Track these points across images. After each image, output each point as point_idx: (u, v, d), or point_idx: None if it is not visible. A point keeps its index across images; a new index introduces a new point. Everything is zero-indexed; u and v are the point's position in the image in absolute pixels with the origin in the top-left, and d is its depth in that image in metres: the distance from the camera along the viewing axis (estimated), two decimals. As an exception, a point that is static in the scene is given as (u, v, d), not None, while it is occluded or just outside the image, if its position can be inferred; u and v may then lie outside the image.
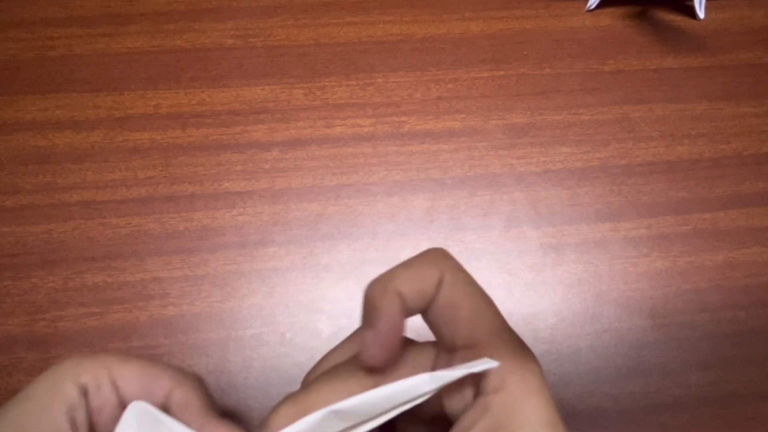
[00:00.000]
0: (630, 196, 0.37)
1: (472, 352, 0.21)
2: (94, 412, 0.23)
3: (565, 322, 0.33)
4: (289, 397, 0.22)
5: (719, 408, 0.30)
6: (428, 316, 0.22)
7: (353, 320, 0.33)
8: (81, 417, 0.22)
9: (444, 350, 0.22)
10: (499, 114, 0.40)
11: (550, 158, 0.38)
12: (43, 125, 0.38)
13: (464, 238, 0.35)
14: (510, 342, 0.22)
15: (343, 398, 0.21)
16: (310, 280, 0.34)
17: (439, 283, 0.21)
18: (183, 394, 0.23)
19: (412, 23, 0.44)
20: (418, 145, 0.38)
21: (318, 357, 0.25)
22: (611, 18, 0.45)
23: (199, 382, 0.25)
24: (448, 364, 0.22)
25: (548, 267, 0.34)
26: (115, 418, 0.23)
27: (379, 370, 0.22)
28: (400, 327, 0.21)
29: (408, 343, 0.23)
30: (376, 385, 0.21)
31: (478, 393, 0.21)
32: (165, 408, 0.23)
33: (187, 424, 0.23)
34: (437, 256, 0.22)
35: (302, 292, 0.34)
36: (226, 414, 0.28)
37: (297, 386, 0.23)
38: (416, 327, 0.23)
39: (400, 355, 0.22)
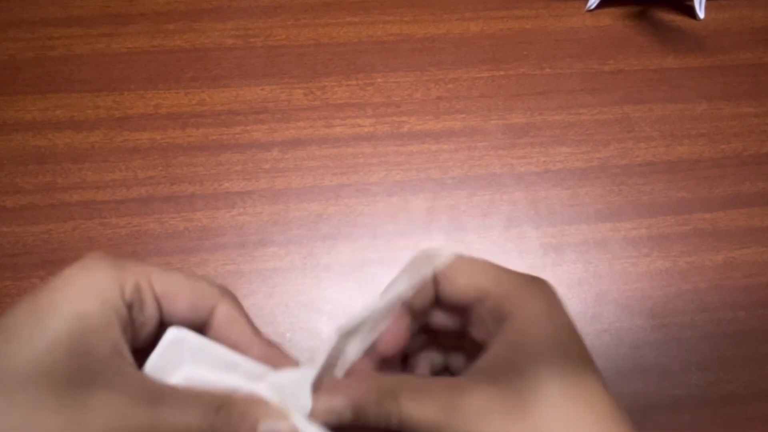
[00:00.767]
0: (630, 196, 0.37)
1: (482, 305, 0.23)
2: (136, 329, 0.22)
3: (565, 322, 0.33)
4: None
5: (719, 408, 0.30)
6: (449, 299, 0.24)
7: (353, 320, 0.33)
8: (129, 335, 0.21)
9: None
10: (499, 114, 0.40)
11: (550, 158, 0.38)
12: (43, 125, 0.38)
13: (464, 238, 0.35)
14: (509, 278, 0.23)
15: (397, 334, 0.23)
16: (310, 280, 0.34)
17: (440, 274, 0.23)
18: (227, 311, 0.23)
19: (412, 23, 0.44)
20: (418, 145, 0.38)
21: (318, 357, 0.25)
22: (611, 18, 0.45)
23: (237, 299, 0.24)
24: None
25: (548, 267, 0.34)
26: (154, 336, 0.22)
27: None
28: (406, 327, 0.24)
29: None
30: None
31: (496, 322, 0.23)
32: (206, 325, 0.23)
33: (234, 342, 0.22)
34: (428, 258, 0.23)
35: (302, 292, 0.33)
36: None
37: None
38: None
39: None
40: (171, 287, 0.22)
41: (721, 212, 0.36)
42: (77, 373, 0.19)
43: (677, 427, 0.29)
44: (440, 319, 0.25)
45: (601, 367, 0.31)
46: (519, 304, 0.22)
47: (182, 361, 0.21)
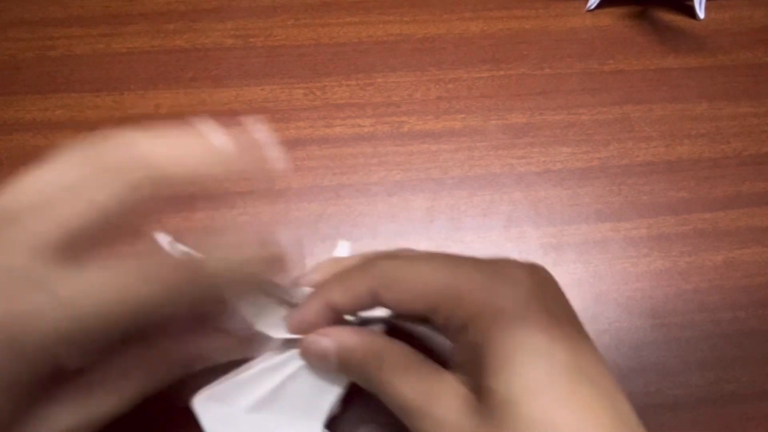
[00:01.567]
0: (630, 196, 0.37)
1: (435, 315, 0.21)
2: None
3: (565, 322, 0.33)
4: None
5: (719, 408, 0.30)
6: (402, 307, 0.22)
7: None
8: None
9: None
10: (499, 114, 0.40)
11: (550, 158, 0.38)
12: (43, 125, 0.38)
13: (464, 238, 0.35)
14: (468, 278, 0.21)
15: (349, 298, 0.23)
16: (310, 280, 0.34)
17: (372, 293, 0.22)
18: None
19: (412, 23, 0.44)
20: (418, 145, 0.38)
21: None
22: (611, 18, 0.45)
23: None
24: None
25: (548, 267, 0.34)
26: None
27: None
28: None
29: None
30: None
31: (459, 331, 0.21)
32: None
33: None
34: (367, 270, 0.22)
35: (302, 292, 0.33)
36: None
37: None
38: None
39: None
40: None
41: (721, 212, 0.36)
42: None
43: (677, 427, 0.29)
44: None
45: (601, 367, 0.31)
46: (479, 310, 0.20)
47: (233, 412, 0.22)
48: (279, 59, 0.42)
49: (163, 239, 0.23)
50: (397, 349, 0.22)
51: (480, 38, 0.43)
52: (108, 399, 0.21)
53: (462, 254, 0.23)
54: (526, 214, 0.36)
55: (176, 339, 0.22)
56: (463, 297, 0.21)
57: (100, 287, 0.17)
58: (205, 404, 0.21)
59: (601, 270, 0.34)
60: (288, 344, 0.23)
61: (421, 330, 0.27)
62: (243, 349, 0.23)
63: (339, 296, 0.23)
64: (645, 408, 0.30)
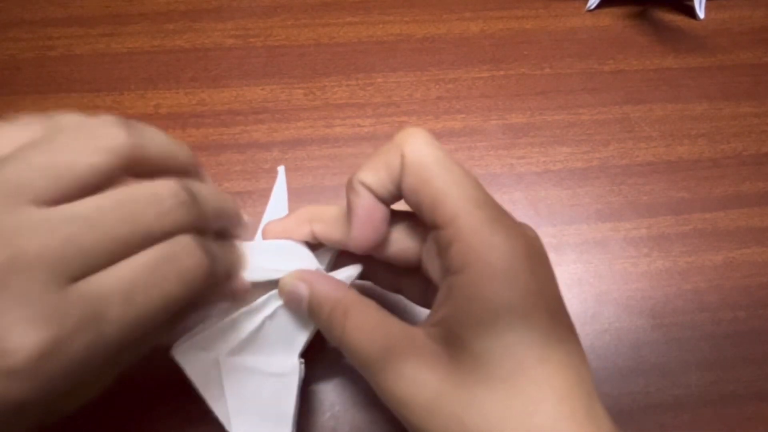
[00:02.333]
0: (630, 196, 0.37)
1: (438, 233, 0.21)
2: None
3: (565, 322, 0.33)
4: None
5: (719, 408, 0.30)
6: (406, 199, 0.22)
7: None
8: None
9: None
10: (499, 114, 0.40)
11: (550, 158, 0.38)
12: (43, 125, 0.38)
13: (464, 238, 0.35)
14: (478, 218, 0.20)
15: (338, 231, 0.23)
16: (310, 280, 0.34)
17: (402, 166, 0.21)
18: None
19: (412, 23, 0.44)
20: (418, 145, 0.38)
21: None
22: (611, 18, 0.45)
23: None
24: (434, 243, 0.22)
25: (548, 267, 0.34)
26: None
27: (367, 255, 0.23)
28: (376, 217, 0.22)
29: (402, 222, 0.23)
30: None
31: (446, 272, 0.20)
32: None
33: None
34: (401, 136, 0.21)
35: (302, 292, 0.33)
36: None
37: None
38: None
39: (387, 237, 0.23)
40: None
41: (721, 212, 0.36)
42: None
43: (677, 427, 0.29)
44: (395, 245, 0.23)
45: (601, 367, 0.31)
46: (476, 256, 0.19)
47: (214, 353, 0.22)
48: (279, 59, 0.42)
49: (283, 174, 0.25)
50: (365, 303, 0.22)
51: (480, 38, 0.43)
52: None
53: None
54: (525, 214, 0.36)
55: None
56: (474, 231, 0.20)
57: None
58: (186, 353, 0.22)
59: (601, 270, 0.34)
60: (266, 287, 0.24)
61: (394, 298, 0.27)
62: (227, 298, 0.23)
63: (370, 175, 0.21)
64: (645, 408, 0.30)
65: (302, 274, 0.23)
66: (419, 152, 0.21)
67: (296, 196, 0.36)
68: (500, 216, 0.20)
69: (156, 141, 0.20)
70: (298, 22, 0.44)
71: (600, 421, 0.19)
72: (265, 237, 0.25)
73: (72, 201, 0.16)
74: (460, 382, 0.19)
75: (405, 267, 0.24)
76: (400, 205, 0.23)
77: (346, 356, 0.22)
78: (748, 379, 0.31)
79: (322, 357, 0.29)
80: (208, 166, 0.37)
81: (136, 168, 0.19)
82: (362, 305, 0.22)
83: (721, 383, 0.31)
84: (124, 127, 0.18)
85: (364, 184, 0.21)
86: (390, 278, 0.26)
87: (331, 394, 0.29)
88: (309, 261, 0.24)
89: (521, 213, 0.36)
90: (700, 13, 0.45)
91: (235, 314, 0.23)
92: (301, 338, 0.24)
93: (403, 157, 0.21)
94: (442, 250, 0.20)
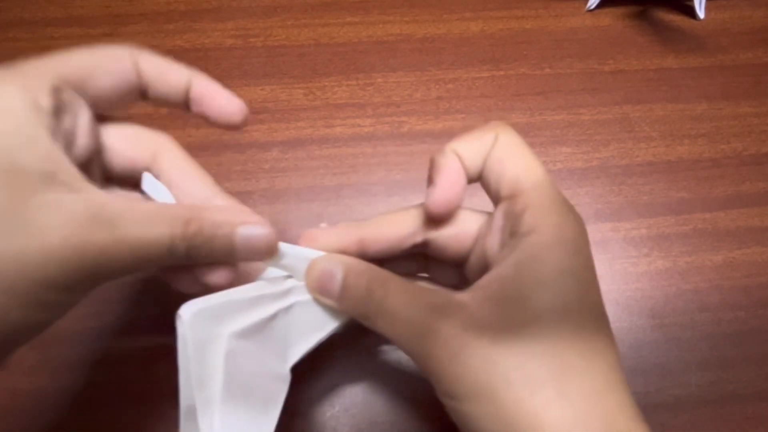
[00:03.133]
0: (630, 196, 0.37)
1: (513, 201, 0.22)
2: (68, 134, 0.20)
3: (565, 322, 0.33)
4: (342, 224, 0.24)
5: (719, 408, 0.30)
6: (488, 171, 0.23)
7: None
8: (64, 143, 0.19)
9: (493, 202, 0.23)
10: (499, 114, 0.40)
11: (550, 158, 0.38)
12: (43, 125, 0.38)
13: (464, 238, 0.35)
14: (552, 196, 0.21)
15: (395, 228, 0.24)
16: (310, 280, 0.34)
17: (494, 142, 0.23)
18: (177, 159, 0.23)
19: (412, 23, 0.44)
20: (418, 145, 0.38)
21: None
22: (611, 18, 0.45)
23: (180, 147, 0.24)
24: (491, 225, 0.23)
25: (548, 267, 0.34)
26: (94, 136, 0.21)
27: (437, 220, 0.24)
28: (459, 182, 0.23)
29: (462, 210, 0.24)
30: (425, 223, 0.24)
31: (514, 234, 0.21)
32: (153, 171, 0.23)
33: (192, 194, 0.22)
34: (495, 124, 0.23)
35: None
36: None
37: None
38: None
39: (455, 214, 0.24)
40: (86, 67, 0.21)
41: (721, 212, 0.36)
42: (11, 196, 0.17)
43: (677, 427, 0.29)
44: (447, 236, 0.24)
45: (601, 367, 0.31)
46: (548, 222, 0.21)
47: (217, 328, 0.21)
48: (279, 59, 0.42)
49: (149, 179, 0.23)
50: (401, 278, 0.22)
51: (480, 38, 0.43)
52: None
53: None
54: (526, 214, 0.36)
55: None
56: (552, 200, 0.21)
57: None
58: (193, 319, 0.20)
59: (601, 270, 0.34)
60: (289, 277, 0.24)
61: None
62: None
63: (464, 146, 0.23)
64: (645, 408, 0.30)
65: (335, 255, 0.23)
66: (512, 134, 0.23)
67: (296, 196, 0.36)
68: (567, 201, 0.22)
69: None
70: (298, 22, 0.44)
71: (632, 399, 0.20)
72: (303, 244, 0.24)
73: None
74: (510, 342, 0.19)
75: (451, 254, 0.24)
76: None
77: (384, 331, 0.21)
78: (748, 379, 0.31)
79: (322, 357, 0.29)
80: (208, 166, 0.37)
81: None
82: (400, 277, 0.22)
83: (721, 383, 0.31)
84: None
85: (455, 152, 0.23)
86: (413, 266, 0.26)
87: (331, 394, 0.29)
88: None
89: (521, 213, 0.36)
90: (700, 13, 0.45)
91: (253, 294, 0.22)
92: (301, 349, 0.23)
93: (497, 135, 0.23)
94: (515, 216, 0.21)
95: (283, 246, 0.23)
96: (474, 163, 0.23)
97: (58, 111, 0.19)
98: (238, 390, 0.21)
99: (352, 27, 0.43)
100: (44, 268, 0.17)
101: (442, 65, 0.42)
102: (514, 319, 0.19)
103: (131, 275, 0.20)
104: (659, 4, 0.46)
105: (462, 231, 0.24)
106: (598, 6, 0.45)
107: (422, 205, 0.24)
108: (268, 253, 0.22)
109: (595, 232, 0.35)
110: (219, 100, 0.24)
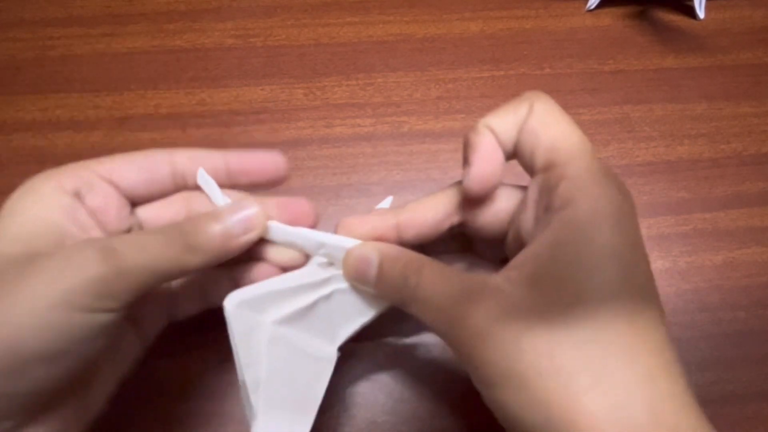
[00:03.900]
0: (630, 196, 0.37)
1: (548, 173, 0.21)
2: (97, 212, 0.22)
3: (565, 322, 0.32)
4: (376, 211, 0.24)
5: (719, 408, 0.30)
6: (523, 143, 0.22)
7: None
8: (83, 218, 0.22)
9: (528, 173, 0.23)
10: (499, 114, 0.40)
11: (550, 158, 0.38)
12: (43, 125, 0.38)
13: (464, 238, 0.35)
14: (591, 165, 0.20)
15: (430, 211, 0.24)
16: (310, 280, 0.34)
17: (529, 112, 0.22)
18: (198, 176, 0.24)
19: (412, 23, 0.44)
20: (418, 145, 0.38)
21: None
22: (611, 18, 0.45)
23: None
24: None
25: (548, 267, 0.34)
26: (124, 216, 0.23)
27: (476, 201, 0.23)
28: (496, 159, 0.22)
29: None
30: (461, 204, 0.24)
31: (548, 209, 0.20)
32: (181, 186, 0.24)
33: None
34: (530, 93, 0.22)
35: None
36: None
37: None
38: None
39: (493, 194, 0.23)
40: (117, 167, 0.23)
41: (721, 212, 0.36)
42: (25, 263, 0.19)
43: (677, 427, 0.29)
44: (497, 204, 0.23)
45: (601, 367, 0.31)
46: (585, 194, 0.19)
47: (260, 316, 0.22)
48: (279, 59, 0.42)
49: (204, 175, 0.24)
50: (436, 262, 0.22)
51: (480, 38, 0.43)
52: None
53: None
54: (526, 214, 0.36)
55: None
56: (590, 173, 0.20)
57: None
58: (236, 309, 0.21)
59: (601, 270, 0.34)
60: (328, 266, 0.24)
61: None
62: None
63: (497, 119, 0.22)
64: (645, 408, 0.30)
65: (371, 242, 0.23)
66: (548, 101, 0.22)
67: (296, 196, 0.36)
68: (611, 171, 0.21)
69: None
70: (298, 22, 0.44)
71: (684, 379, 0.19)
72: (340, 233, 0.24)
73: None
74: (543, 329, 0.18)
75: (489, 232, 0.24)
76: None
77: (417, 313, 0.21)
78: (748, 379, 0.31)
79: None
80: (208, 166, 0.37)
81: None
82: (436, 262, 0.22)
83: (721, 383, 0.31)
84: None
85: (488, 128, 0.22)
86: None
87: (331, 394, 0.29)
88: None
89: (521, 213, 0.36)
90: (700, 13, 0.45)
91: (294, 284, 0.23)
92: (347, 329, 0.24)
93: (532, 104, 0.22)
94: (549, 189, 0.20)
95: (321, 235, 0.24)
96: (509, 137, 0.22)
97: (81, 193, 0.22)
98: (281, 376, 0.22)
99: (352, 27, 0.43)
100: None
101: (442, 65, 0.42)
102: (548, 303, 0.18)
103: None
104: (659, 4, 0.46)
105: (499, 208, 0.23)
106: (598, 6, 0.45)
107: (458, 186, 0.24)
108: (259, 226, 0.23)
109: (595, 232, 0.35)
110: (260, 164, 0.25)
